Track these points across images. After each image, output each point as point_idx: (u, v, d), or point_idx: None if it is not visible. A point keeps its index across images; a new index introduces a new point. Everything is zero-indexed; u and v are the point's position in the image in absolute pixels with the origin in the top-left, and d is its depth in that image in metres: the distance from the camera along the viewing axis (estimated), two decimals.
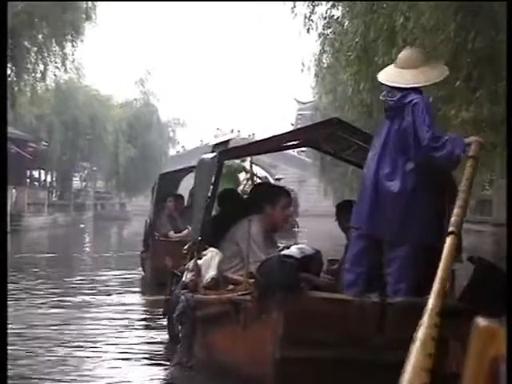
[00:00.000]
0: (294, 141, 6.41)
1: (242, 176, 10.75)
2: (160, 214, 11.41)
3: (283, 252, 4.46)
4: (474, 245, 16.22)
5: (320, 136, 5.97)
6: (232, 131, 14.66)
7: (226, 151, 6.59)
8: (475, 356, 1.19)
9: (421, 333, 2.47)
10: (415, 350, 2.29)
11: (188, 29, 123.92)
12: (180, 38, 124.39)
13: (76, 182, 44.95)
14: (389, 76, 4.83)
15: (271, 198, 5.58)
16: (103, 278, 12.41)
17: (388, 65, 5.63)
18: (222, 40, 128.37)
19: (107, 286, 11.24)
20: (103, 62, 79.41)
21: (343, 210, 5.63)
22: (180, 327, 5.57)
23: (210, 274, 5.29)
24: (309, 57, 20.06)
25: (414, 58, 4.80)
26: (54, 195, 38.25)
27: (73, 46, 20.01)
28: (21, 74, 19.52)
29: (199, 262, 5.42)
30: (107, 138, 37.08)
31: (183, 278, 5.57)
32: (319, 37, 12.81)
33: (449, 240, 3.40)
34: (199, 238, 5.62)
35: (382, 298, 4.32)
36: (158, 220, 11.37)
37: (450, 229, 3.51)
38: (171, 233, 11.18)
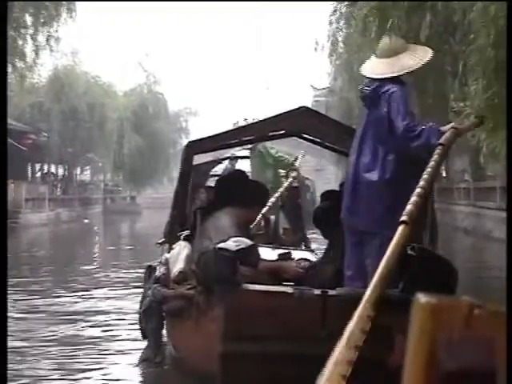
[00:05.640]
0: (269, 131, 6.29)
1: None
2: (190, 206, 10.48)
3: (219, 245, 4.32)
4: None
5: (298, 125, 5.90)
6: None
7: (195, 143, 6.28)
8: (416, 333, 1.17)
9: (352, 324, 2.54)
10: (342, 340, 2.36)
11: (202, 12, 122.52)
12: (192, 23, 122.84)
13: (82, 175, 43.48)
14: (368, 68, 4.80)
15: (248, 195, 5.49)
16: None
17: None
18: (236, 24, 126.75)
19: None
20: (106, 48, 78.37)
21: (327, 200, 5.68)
22: (147, 322, 5.56)
23: (177, 267, 5.28)
24: (323, 35, 19.37)
25: (389, 47, 4.77)
26: (58, 189, 36.58)
27: (56, 22, 18.47)
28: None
29: (167, 255, 5.53)
30: (111, 128, 35.34)
31: (156, 272, 5.58)
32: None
33: (400, 229, 3.36)
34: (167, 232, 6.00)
35: (324, 290, 4.27)
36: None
37: (403, 218, 3.45)
38: None
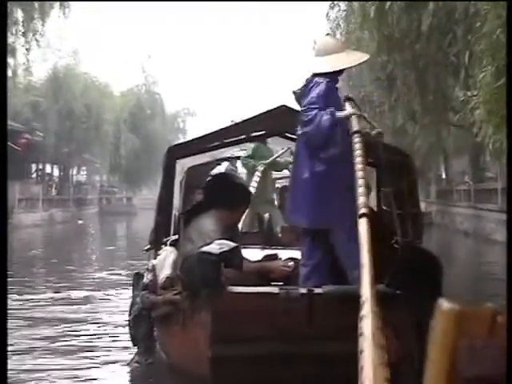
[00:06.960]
0: (250, 132, 6.24)
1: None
2: (184, 209, 10.53)
3: (202, 249, 4.29)
4: None
5: (279, 124, 5.84)
6: None
7: (177, 148, 6.27)
8: (438, 339, 1.17)
9: (366, 325, 2.43)
10: (367, 344, 2.26)
11: (200, 12, 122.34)
12: (191, 23, 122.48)
13: (79, 176, 43.17)
14: (308, 66, 4.82)
15: (231, 197, 5.29)
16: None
17: None
18: (235, 24, 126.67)
19: None
20: (103, 48, 78.41)
21: None
22: (136, 329, 5.54)
23: (164, 273, 5.28)
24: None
25: (330, 45, 4.83)
26: (53, 190, 36.23)
27: (47, 18, 18.31)
28: None
29: (154, 261, 5.52)
30: (107, 128, 35.02)
31: (144, 279, 5.55)
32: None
33: (363, 222, 3.35)
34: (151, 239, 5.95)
35: (309, 289, 4.27)
36: None
37: (362, 211, 3.46)
38: None
